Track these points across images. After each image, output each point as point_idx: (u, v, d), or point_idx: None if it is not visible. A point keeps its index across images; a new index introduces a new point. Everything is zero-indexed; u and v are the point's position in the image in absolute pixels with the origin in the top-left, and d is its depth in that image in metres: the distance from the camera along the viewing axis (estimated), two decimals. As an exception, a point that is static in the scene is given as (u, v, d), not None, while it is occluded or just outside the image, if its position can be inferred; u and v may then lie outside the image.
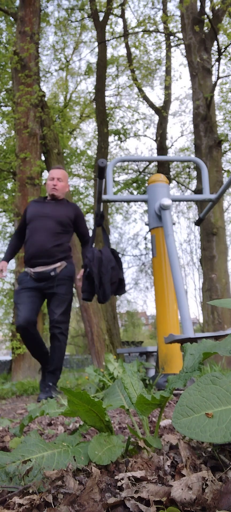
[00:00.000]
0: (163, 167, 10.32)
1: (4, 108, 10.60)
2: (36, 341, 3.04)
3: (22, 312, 2.96)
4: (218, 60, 6.98)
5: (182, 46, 9.95)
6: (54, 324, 3.03)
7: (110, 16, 10.40)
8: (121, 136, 12.71)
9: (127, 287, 17.73)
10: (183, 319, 2.37)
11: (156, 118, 12.44)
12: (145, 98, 11.70)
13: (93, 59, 18.65)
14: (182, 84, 42.82)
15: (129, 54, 10.85)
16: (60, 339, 3.05)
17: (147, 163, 12.41)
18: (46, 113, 7.90)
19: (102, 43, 9.74)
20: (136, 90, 12.34)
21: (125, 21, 10.97)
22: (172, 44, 10.42)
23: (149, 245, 12.65)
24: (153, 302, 24.60)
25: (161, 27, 10.30)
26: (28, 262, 3.10)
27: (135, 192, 12.51)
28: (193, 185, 11.75)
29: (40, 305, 3.10)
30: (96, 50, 10.23)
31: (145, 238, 14.08)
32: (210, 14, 7.50)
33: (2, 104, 10.50)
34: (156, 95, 41.53)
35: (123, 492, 0.66)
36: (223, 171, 8.02)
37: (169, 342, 2.23)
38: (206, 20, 7.11)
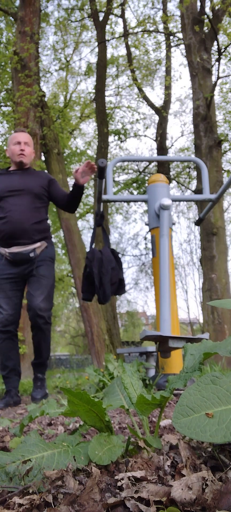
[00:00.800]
0: (163, 167, 10.32)
1: (4, 108, 10.60)
2: (15, 349, 2.75)
3: (4, 309, 2.67)
4: (218, 60, 6.98)
5: (182, 46, 9.95)
6: (37, 312, 2.65)
7: (110, 16, 10.41)
8: (121, 136, 12.71)
9: (127, 287, 17.74)
10: (161, 319, 2.42)
11: (156, 118, 12.44)
12: (145, 98, 11.70)
13: (93, 59, 18.66)
14: (182, 84, 42.83)
15: (129, 54, 10.85)
16: (44, 329, 2.70)
17: (147, 163, 12.41)
18: (46, 113, 7.90)
19: (102, 43, 9.74)
20: (136, 90, 12.35)
21: (125, 21, 10.97)
22: (172, 44, 10.42)
23: (149, 245, 12.65)
24: (153, 302, 24.62)
25: (161, 27, 10.30)
26: (2, 242, 2.74)
27: (135, 192, 12.51)
28: (193, 185, 11.75)
29: (22, 299, 2.81)
30: (96, 50, 10.23)
31: (145, 238, 14.09)
32: (210, 14, 7.50)
33: (2, 104, 10.49)
34: (156, 95, 41.57)
35: (123, 492, 0.66)
36: (223, 171, 8.03)
37: (142, 338, 2.25)
38: (206, 20, 7.10)
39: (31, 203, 2.73)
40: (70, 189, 2.83)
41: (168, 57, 11.21)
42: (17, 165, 2.86)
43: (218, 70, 6.90)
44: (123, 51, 14.70)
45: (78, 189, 2.73)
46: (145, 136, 13.52)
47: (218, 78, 6.98)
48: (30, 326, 2.77)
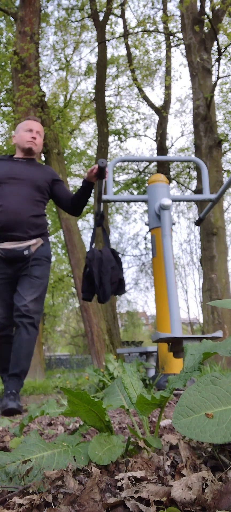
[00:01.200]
0: (163, 167, 10.32)
1: (4, 108, 10.60)
2: (8, 351, 2.51)
3: None
4: (218, 60, 6.98)
5: (182, 46, 9.95)
6: (24, 312, 2.40)
7: (110, 16, 10.40)
8: (121, 136, 12.71)
9: (127, 287, 17.74)
10: (172, 320, 2.40)
11: (156, 118, 12.44)
12: (145, 98, 11.70)
13: (93, 59, 18.67)
14: (182, 84, 42.82)
15: (129, 54, 10.85)
16: (29, 331, 2.41)
17: (147, 163, 12.41)
18: (46, 113, 7.90)
19: (102, 43, 9.74)
20: (136, 90, 12.35)
21: (125, 21, 10.97)
22: (172, 44, 10.42)
23: (149, 245, 12.66)
24: (153, 302, 24.62)
25: (161, 27, 10.30)
26: None
27: (135, 192, 12.51)
28: (193, 185, 11.75)
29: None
30: (96, 50, 10.23)
31: (145, 238, 14.09)
32: (210, 14, 7.50)
33: (2, 104, 10.49)
34: (156, 95, 41.56)
35: (123, 492, 0.66)
36: (223, 171, 8.03)
37: (155, 341, 2.24)
38: (206, 20, 7.10)
39: (31, 195, 2.54)
40: (75, 190, 2.76)
41: (168, 57, 11.21)
42: (24, 152, 2.68)
43: (218, 70, 6.90)
44: (123, 51, 14.71)
45: (89, 185, 2.64)
46: (145, 136, 13.53)
47: (218, 78, 6.98)
48: (14, 331, 2.51)
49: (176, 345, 2.25)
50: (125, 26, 11.07)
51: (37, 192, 2.58)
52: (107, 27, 10.27)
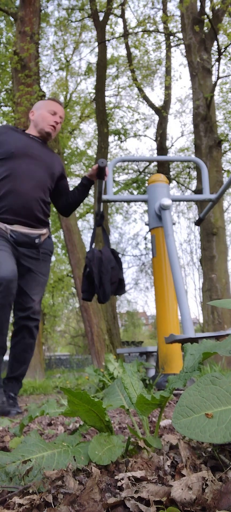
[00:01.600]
0: (163, 167, 10.32)
1: (4, 108, 10.60)
2: (9, 314, 2.15)
3: (5, 262, 2.09)
4: (218, 60, 6.98)
5: (182, 46, 9.96)
6: (31, 314, 2.29)
7: (110, 16, 10.40)
8: (121, 136, 12.71)
9: (127, 287, 17.74)
10: (183, 319, 2.37)
11: (156, 118, 12.44)
12: (145, 98, 11.70)
13: (93, 59, 18.67)
14: (182, 84, 42.82)
15: (129, 54, 10.85)
16: (34, 334, 2.33)
17: (147, 163, 12.41)
18: (46, 113, 7.89)
19: (102, 43, 9.73)
20: (136, 90, 12.35)
21: (125, 21, 10.97)
22: (172, 44, 10.42)
23: (149, 245, 12.66)
24: (153, 302, 24.62)
25: (161, 27, 10.30)
26: (2, 213, 2.24)
27: (135, 192, 12.51)
28: (193, 185, 11.75)
29: None
30: (96, 50, 10.23)
31: (145, 238, 14.09)
32: (210, 14, 7.50)
33: (2, 104, 10.49)
34: (156, 96, 41.57)
35: (123, 492, 0.66)
36: (223, 171, 8.03)
37: (169, 342, 2.23)
38: (206, 20, 7.10)
39: (45, 180, 2.36)
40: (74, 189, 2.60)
41: (168, 57, 11.21)
42: (40, 133, 2.46)
43: (218, 70, 6.90)
44: (123, 51, 14.71)
45: (90, 184, 2.56)
46: (145, 136, 13.53)
47: (218, 78, 6.98)
48: (14, 330, 2.35)
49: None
50: (125, 26, 11.07)
51: (49, 179, 2.41)
52: (107, 27, 10.27)
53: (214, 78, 7.37)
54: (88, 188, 2.61)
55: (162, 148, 11.20)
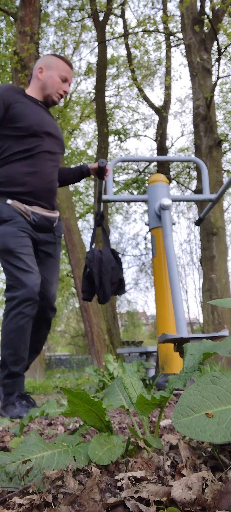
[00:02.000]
0: (163, 167, 10.32)
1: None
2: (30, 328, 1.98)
3: (32, 271, 1.93)
4: (218, 60, 6.98)
5: (182, 46, 9.95)
6: (52, 304, 2.15)
7: (111, 16, 10.40)
8: (121, 136, 12.71)
9: (127, 287, 17.74)
10: (177, 320, 2.39)
11: (156, 118, 12.44)
12: (145, 98, 11.70)
13: (93, 59, 18.66)
14: (182, 84, 42.84)
15: (129, 54, 10.85)
16: (51, 325, 2.24)
17: (147, 163, 12.41)
18: (46, 113, 7.89)
19: (102, 43, 9.73)
20: (136, 90, 12.35)
21: (125, 21, 10.97)
22: (172, 44, 10.42)
23: (149, 245, 12.66)
24: (153, 302, 24.62)
25: (161, 27, 10.30)
26: (22, 195, 2.04)
27: (135, 192, 12.51)
28: (193, 185, 11.75)
29: None
30: (96, 50, 10.24)
31: (145, 238, 14.09)
32: (210, 14, 7.50)
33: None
34: (156, 95, 41.59)
35: (123, 492, 0.66)
36: (223, 171, 8.03)
37: (161, 342, 2.24)
38: (206, 20, 7.10)
39: (59, 158, 2.18)
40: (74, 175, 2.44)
41: (168, 57, 11.21)
42: (45, 99, 2.19)
43: (218, 70, 6.90)
44: (123, 52, 14.73)
45: (87, 175, 2.43)
46: (145, 136, 13.53)
47: (218, 78, 6.98)
48: (36, 321, 2.12)
49: (182, 346, 2.24)
50: (125, 26, 11.07)
51: (61, 153, 2.23)
52: (107, 27, 10.28)
53: (214, 78, 7.38)
54: (84, 177, 2.49)
55: (162, 148, 11.20)
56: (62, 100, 12.21)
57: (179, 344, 2.25)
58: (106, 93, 11.23)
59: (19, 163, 2.04)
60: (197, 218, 3.52)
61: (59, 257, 2.27)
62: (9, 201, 2.01)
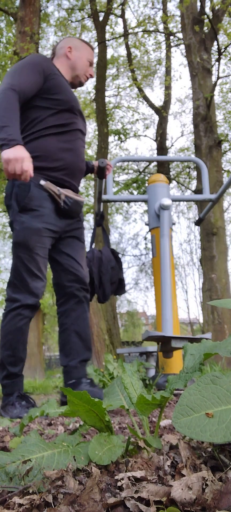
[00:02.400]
0: (163, 167, 10.32)
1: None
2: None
3: (43, 274, 1.89)
4: (218, 60, 6.99)
5: (182, 46, 9.96)
6: (86, 284, 2.03)
7: (111, 16, 10.41)
8: (121, 136, 12.71)
9: (127, 287, 17.73)
10: (163, 319, 2.43)
11: (156, 118, 12.45)
12: (145, 98, 11.70)
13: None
14: (182, 84, 42.85)
15: (129, 54, 10.85)
16: (88, 307, 2.08)
17: (147, 163, 12.41)
18: (46, 113, 7.89)
19: (102, 43, 9.74)
20: (136, 90, 12.35)
21: (125, 21, 10.97)
22: (172, 44, 10.43)
23: (149, 245, 12.66)
24: (153, 302, 24.61)
25: (161, 27, 10.30)
26: (58, 171, 1.92)
27: (135, 192, 12.51)
28: (193, 185, 11.75)
29: None
30: (96, 50, 10.23)
31: (145, 238, 14.09)
32: (210, 14, 7.50)
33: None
34: (156, 95, 41.59)
35: (123, 492, 0.66)
36: (223, 171, 8.03)
37: (144, 339, 2.26)
38: (206, 20, 7.11)
39: (84, 139, 2.10)
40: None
41: (168, 57, 11.22)
42: (73, 80, 2.12)
43: (218, 70, 6.91)
44: (123, 52, 14.73)
45: (88, 172, 2.38)
46: (145, 136, 13.54)
47: (218, 78, 6.99)
48: (71, 304, 2.00)
49: (165, 345, 2.25)
50: (125, 26, 11.07)
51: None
52: (107, 27, 10.28)
53: (214, 78, 7.38)
54: (88, 172, 2.43)
55: (162, 148, 11.21)
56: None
57: (163, 343, 2.26)
58: (106, 93, 11.24)
59: (55, 137, 1.92)
60: (197, 218, 3.53)
61: (84, 241, 2.18)
62: (42, 182, 1.88)
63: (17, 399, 1.89)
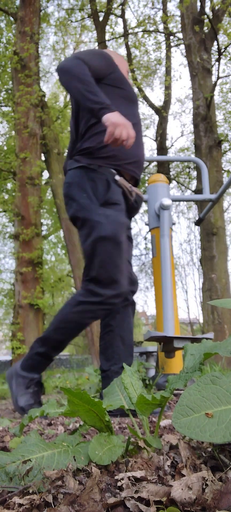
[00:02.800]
0: (163, 167, 10.32)
1: (4, 108, 10.60)
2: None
3: (125, 274, 1.75)
4: (218, 60, 6.98)
5: (182, 46, 9.95)
6: (135, 288, 1.94)
7: (111, 16, 10.40)
8: (121, 136, 12.68)
9: (127, 287, 17.66)
10: (165, 319, 2.42)
11: (156, 118, 12.44)
12: (145, 98, 11.69)
13: (93, 59, 18.57)
14: (182, 84, 42.85)
15: (129, 54, 10.85)
16: (134, 313, 1.98)
17: (147, 163, 12.40)
18: (46, 113, 7.91)
19: (102, 43, 9.73)
20: (135, 90, 12.34)
21: (125, 21, 10.96)
22: (172, 44, 10.42)
23: (149, 245, 12.65)
24: (153, 302, 24.59)
25: (161, 27, 10.30)
26: (130, 164, 1.83)
27: (135, 192, 12.49)
28: (193, 185, 11.75)
29: None
30: (96, 50, 10.22)
31: (145, 238, 14.08)
32: (210, 14, 7.50)
33: (2, 104, 10.49)
34: (156, 95, 41.59)
35: (123, 492, 0.66)
36: (223, 171, 8.03)
37: (146, 339, 2.26)
38: (206, 20, 7.10)
39: None
40: None
41: (168, 57, 11.21)
42: None
43: (218, 70, 6.90)
44: (123, 52, 14.72)
45: None
46: (145, 136, 13.52)
47: (218, 78, 6.98)
48: (114, 310, 1.87)
49: (167, 345, 2.25)
50: (125, 26, 11.06)
51: None
52: (107, 27, 10.28)
53: (214, 78, 7.38)
54: None
55: (162, 148, 11.20)
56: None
57: (165, 343, 2.26)
58: (106, 93, 11.22)
59: None
60: (197, 218, 3.53)
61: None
62: (117, 177, 1.77)
63: (32, 387, 1.81)
